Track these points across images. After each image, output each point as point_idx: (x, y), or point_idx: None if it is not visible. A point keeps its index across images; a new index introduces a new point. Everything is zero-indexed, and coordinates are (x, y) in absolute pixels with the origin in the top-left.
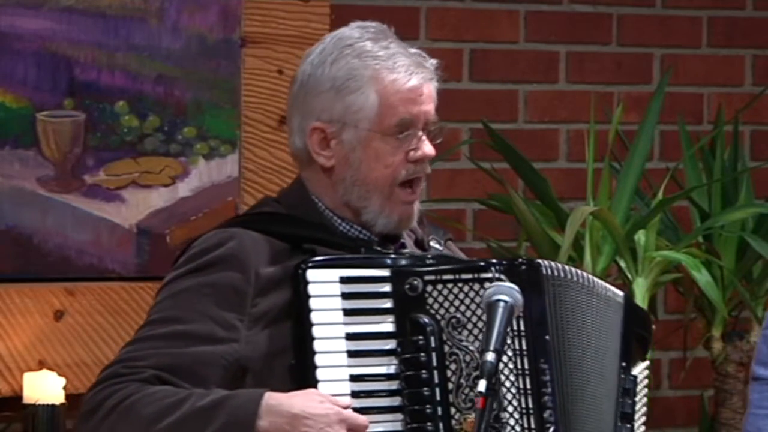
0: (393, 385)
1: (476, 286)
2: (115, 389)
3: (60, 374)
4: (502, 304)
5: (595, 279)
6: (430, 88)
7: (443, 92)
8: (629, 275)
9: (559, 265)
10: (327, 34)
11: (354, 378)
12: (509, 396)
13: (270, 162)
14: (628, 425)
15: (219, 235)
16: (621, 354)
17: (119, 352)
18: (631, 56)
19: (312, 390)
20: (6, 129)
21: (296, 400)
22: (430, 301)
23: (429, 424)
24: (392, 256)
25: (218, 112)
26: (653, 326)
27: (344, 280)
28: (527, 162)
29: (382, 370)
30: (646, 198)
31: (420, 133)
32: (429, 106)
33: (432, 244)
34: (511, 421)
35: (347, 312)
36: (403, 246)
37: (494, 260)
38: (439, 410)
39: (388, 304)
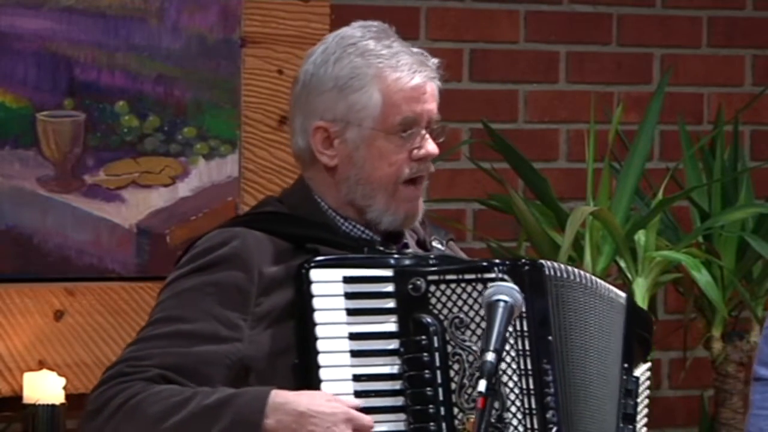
0: (396, 385)
1: (479, 287)
2: (120, 388)
3: (60, 374)
4: (502, 304)
5: (598, 280)
6: (433, 87)
7: (443, 92)
8: (629, 275)
9: (562, 265)
10: (329, 34)
11: (357, 378)
12: (512, 396)
13: (270, 162)
14: (630, 426)
15: (222, 234)
16: (623, 355)
17: (123, 351)
18: (631, 56)
19: (319, 391)
20: (6, 129)
21: (303, 399)
22: (433, 301)
23: (432, 424)
24: (395, 256)
25: (218, 112)
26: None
27: (347, 280)
28: (527, 162)
29: (385, 369)
30: (646, 198)
31: (423, 131)
32: (432, 105)
33: (434, 244)
34: (514, 422)
35: (350, 312)
36: (406, 246)
37: (497, 260)
38: (442, 410)
39: (391, 304)
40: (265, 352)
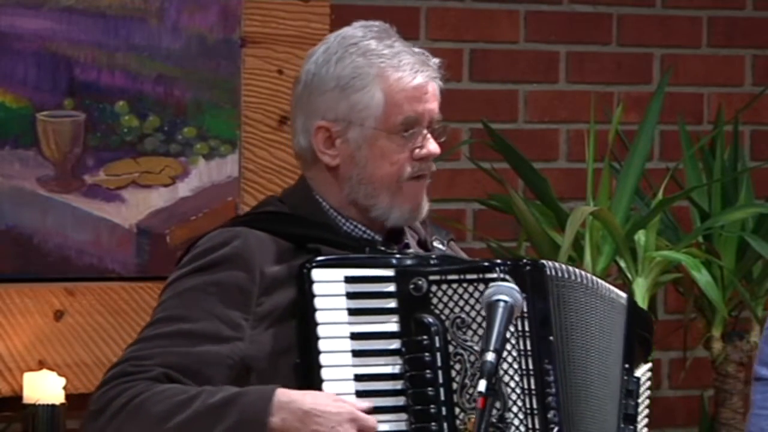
0: (397, 384)
1: (481, 287)
2: (123, 388)
3: (60, 374)
4: (502, 304)
5: (599, 280)
6: (434, 87)
7: (443, 92)
8: (629, 275)
9: (564, 266)
10: (330, 34)
11: (358, 377)
12: (514, 396)
13: (270, 162)
14: (631, 426)
15: (224, 234)
16: (624, 355)
17: (124, 351)
18: (631, 56)
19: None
20: (6, 129)
21: (308, 398)
22: (435, 301)
23: (433, 423)
24: (397, 256)
25: (218, 112)
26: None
27: (349, 280)
28: (527, 162)
29: (387, 369)
30: (646, 198)
31: (425, 131)
32: (433, 105)
33: (435, 244)
34: (516, 422)
35: (352, 311)
36: (407, 246)
37: (499, 260)
38: (444, 410)
39: (392, 303)
40: (266, 352)
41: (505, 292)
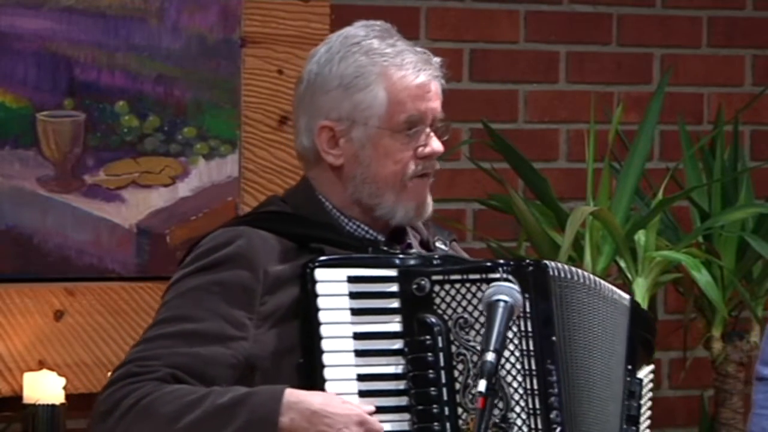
0: (400, 384)
1: (484, 287)
2: (131, 389)
3: (60, 374)
4: (502, 304)
5: (602, 281)
6: (437, 86)
7: (444, 92)
8: (629, 275)
9: (566, 266)
10: (332, 34)
11: (361, 377)
12: (516, 396)
13: (270, 162)
14: (634, 428)
15: (227, 233)
16: (627, 357)
17: (129, 351)
18: (631, 56)
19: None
20: (6, 129)
21: (316, 398)
22: (438, 301)
23: (436, 423)
24: (400, 256)
25: (218, 112)
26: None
27: (352, 280)
28: (527, 162)
29: (390, 369)
30: (646, 198)
31: (428, 129)
32: (436, 103)
33: (437, 244)
34: (518, 422)
35: (355, 311)
36: (410, 246)
37: (501, 261)
38: (446, 410)
39: (395, 303)
40: (270, 351)
41: (505, 292)
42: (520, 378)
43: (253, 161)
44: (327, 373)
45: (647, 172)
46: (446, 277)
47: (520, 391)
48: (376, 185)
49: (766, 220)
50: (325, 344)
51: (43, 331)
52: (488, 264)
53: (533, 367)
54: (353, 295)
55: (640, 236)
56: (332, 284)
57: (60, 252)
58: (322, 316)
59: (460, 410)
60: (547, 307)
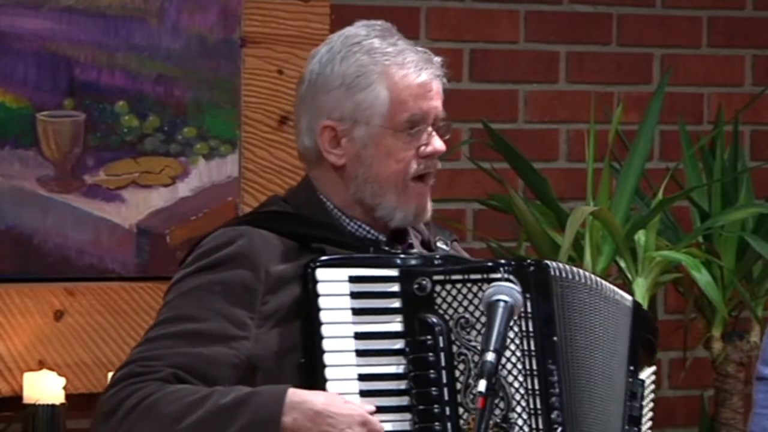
0: (401, 384)
1: (485, 287)
2: (134, 389)
3: (60, 374)
4: (502, 304)
5: (604, 282)
6: (438, 85)
7: (444, 92)
8: (629, 275)
9: (567, 266)
10: (333, 34)
11: (362, 377)
12: (517, 396)
13: (270, 162)
14: (636, 429)
15: (228, 233)
16: (629, 357)
17: (131, 351)
18: (631, 56)
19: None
20: (6, 129)
21: (319, 398)
22: (439, 301)
23: (437, 423)
24: (401, 256)
25: (218, 112)
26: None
27: (353, 280)
28: (527, 162)
29: (391, 369)
30: (646, 198)
31: (430, 128)
32: (438, 102)
33: (439, 244)
34: (519, 422)
35: (356, 311)
36: (411, 246)
37: (503, 261)
38: (447, 410)
39: (396, 303)
40: (271, 351)
41: (505, 292)
42: (521, 378)
43: (253, 161)
44: (328, 372)
45: (647, 172)
46: (447, 277)
47: (522, 391)
48: (378, 185)
49: (766, 220)
50: (326, 344)
51: (43, 331)
52: (489, 264)
53: (534, 367)
54: (354, 295)
55: (640, 236)
56: (333, 284)
57: (60, 252)
58: (324, 315)
59: (461, 410)
60: (548, 307)
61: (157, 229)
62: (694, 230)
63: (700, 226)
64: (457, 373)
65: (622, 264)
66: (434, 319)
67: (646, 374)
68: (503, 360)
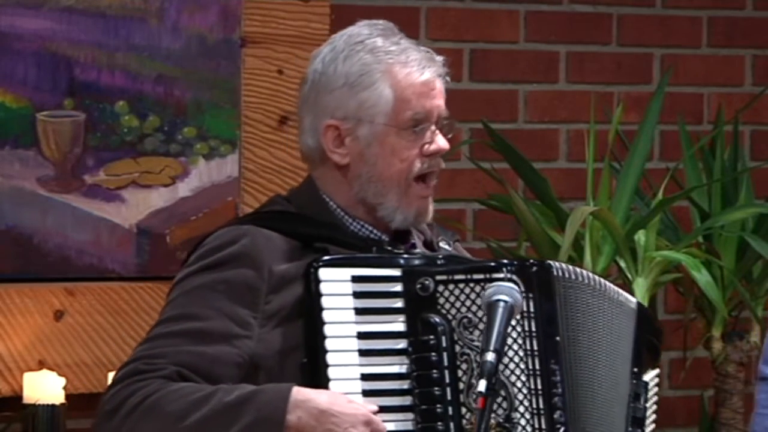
0: (404, 384)
1: (488, 287)
2: (137, 387)
3: (60, 374)
4: (501, 304)
5: (607, 283)
6: (441, 83)
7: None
8: (629, 275)
9: (570, 267)
10: (335, 34)
11: (365, 377)
12: (520, 396)
13: (270, 162)
14: (639, 430)
15: (232, 232)
16: (632, 359)
17: (135, 349)
18: (631, 56)
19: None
20: (6, 129)
21: (324, 397)
22: (441, 301)
23: (440, 423)
24: (404, 255)
25: (218, 112)
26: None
27: (356, 279)
28: (527, 162)
29: (394, 369)
30: (646, 198)
31: (433, 127)
32: (441, 101)
33: (441, 245)
34: (522, 422)
35: (359, 311)
36: (414, 246)
37: (505, 261)
38: (450, 410)
39: (399, 303)
40: (274, 351)
41: (505, 292)
42: (524, 378)
43: (253, 161)
44: (331, 372)
45: (647, 172)
46: (450, 277)
47: (524, 390)
48: (382, 184)
49: (766, 220)
50: (328, 343)
51: (43, 331)
52: (492, 264)
53: (537, 366)
54: (357, 295)
55: (640, 236)
56: (336, 284)
57: (60, 252)
58: (326, 315)
59: (463, 410)
60: (551, 307)
61: (157, 229)
62: (694, 230)
63: (700, 226)
64: (460, 373)
65: (622, 264)
66: (437, 319)
67: (650, 376)
68: (506, 360)
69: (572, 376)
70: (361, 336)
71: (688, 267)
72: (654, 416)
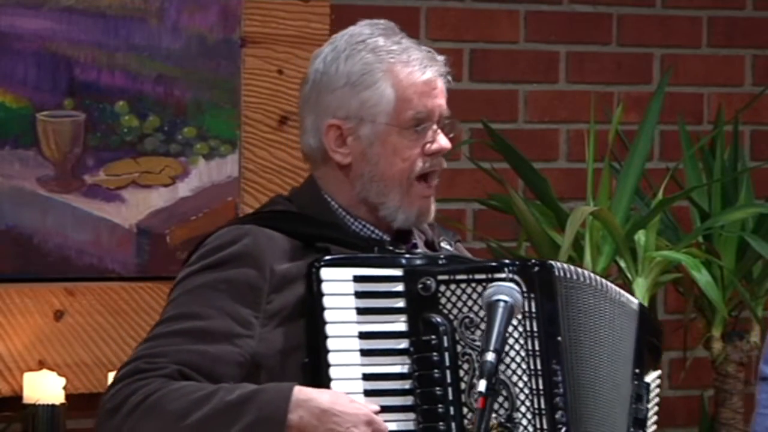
0: (405, 384)
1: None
2: (138, 386)
3: (60, 374)
4: (501, 304)
5: (609, 284)
6: (443, 83)
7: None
8: (629, 275)
9: (572, 267)
10: (336, 34)
11: (367, 377)
12: (522, 396)
13: (270, 162)
14: (641, 431)
15: (233, 231)
16: (634, 360)
17: (136, 348)
18: (631, 56)
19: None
20: (6, 129)
21: (325, 396)
22: (443, 301)
23: (441, 423)
24: (405, 255)
25: (218, 112)
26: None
27: (358, 279)
28: (527, 162)
29: (395, 369)
30: (646, 198)
31: (435, 126)
32: (442, 100)
33: (443, 245)
34: (524, 422)
35: (360, 311)
36: (415, 246)
37: (507, 261)
38: (452, 410)
39: (401, 303)
40: (275, 350)
41: (505, 292)
42: (525, 378)
43: (253, 161)
44: (332, 372)
45: (647, 172)
46: (452, 277)
47: (526, 390)
48: (384, 183)
49: (766, 220)
50: (330, 343)
51: (43, 331)
52: (494, 264)
53: (538, 367)
54: (359, 295)
55: (640, 236)
56: (338, 283)
57: (60, 252)
58: (328, 315)
59: (465, 410)
60: (552, 307)
61: (157, 229)
62: (694, 230)
63: (700, 226)
64: (462, 373)
65: (622, 264)
66: (438, 319)
67: (652, 378)
68: (507, 360)
69: (574, 377)
70: (363, 336)
71: (688, 267)
72: (655, 418)
